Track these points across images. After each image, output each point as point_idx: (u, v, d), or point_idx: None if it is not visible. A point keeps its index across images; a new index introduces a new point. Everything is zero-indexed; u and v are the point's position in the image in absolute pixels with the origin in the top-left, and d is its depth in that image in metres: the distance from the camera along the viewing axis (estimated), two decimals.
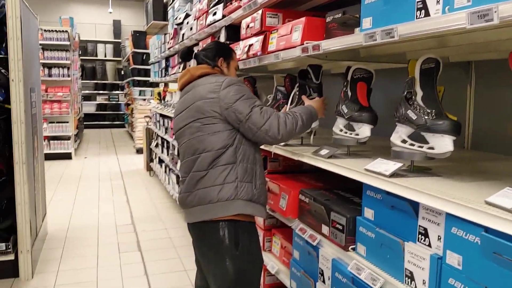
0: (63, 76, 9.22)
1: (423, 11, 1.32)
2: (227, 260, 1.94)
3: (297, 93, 2.34)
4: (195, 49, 2.32)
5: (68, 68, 9.31)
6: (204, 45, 2.36)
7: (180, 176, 2.19)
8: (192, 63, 2.37)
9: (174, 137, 2.27)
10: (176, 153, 5.52)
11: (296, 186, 2.21)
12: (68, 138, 9.33)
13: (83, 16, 15.70)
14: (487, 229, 1.10)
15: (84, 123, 14.19)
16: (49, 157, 8.87)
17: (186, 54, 2.39)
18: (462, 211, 1.16)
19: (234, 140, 2.00)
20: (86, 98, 15.36)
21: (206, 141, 2.00)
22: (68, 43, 9.27)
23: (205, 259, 2.06)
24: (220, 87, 2.02)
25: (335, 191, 2.07)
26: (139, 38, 12.06)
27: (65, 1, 15.61)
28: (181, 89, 2.23)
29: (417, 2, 1.34)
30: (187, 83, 2.17)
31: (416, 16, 1.34)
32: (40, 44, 8.82)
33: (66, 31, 9.30)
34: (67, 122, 9.27)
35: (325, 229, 1.88)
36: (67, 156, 9.32)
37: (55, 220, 5.07)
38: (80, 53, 13.22)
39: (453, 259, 1.22)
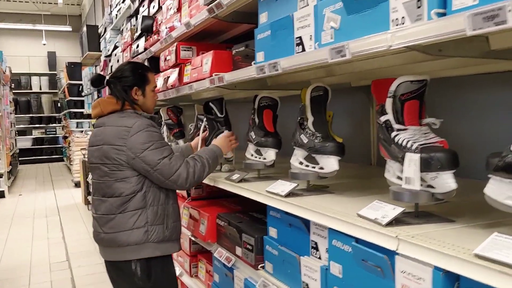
0: None
1: (300, 46, 1.47)
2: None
3: (207, 126, 2.44)
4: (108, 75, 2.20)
5: None
6: (116, 68, 2.20)
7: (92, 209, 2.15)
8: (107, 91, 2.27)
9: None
10: None
11: (214, 210, 2.29)
12: (0, 176, 8.93)
13: (16, 49, 15.24)
14: (357, 239, 1.23)
15: (20, 158, 13.62)
16: None
17: (96, 82, 2.23)
18: (338, 225, 1.29)
19: (143, 185, 1.98)
20: (21, 133, 14.80)
21: (113, 187, 1.97)
22: None
23: None
24: (128, 134, 1.94)
25: (250, 213, 2.18)
26: (74, 70, 11.87)
27: None
28: (94, 117, 2.16)
29: (296, 38, 1.49)
30: (99, 115, 2.11)
31: (296, 51, 1.49)
32: None
33: None
34: None
35: (238, 250, 1.97)
36: (0, 195, 8.91)
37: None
38: (12, 86, 12.79)
39: (335, 269, 1.35)
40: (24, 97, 15.23)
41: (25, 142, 14.91)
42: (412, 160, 1.17)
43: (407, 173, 1.19)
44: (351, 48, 1.18)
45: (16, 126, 13.47)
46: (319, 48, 1.36)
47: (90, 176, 2.24)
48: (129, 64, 2.21)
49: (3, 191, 8.94)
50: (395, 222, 1.17)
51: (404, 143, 1.22)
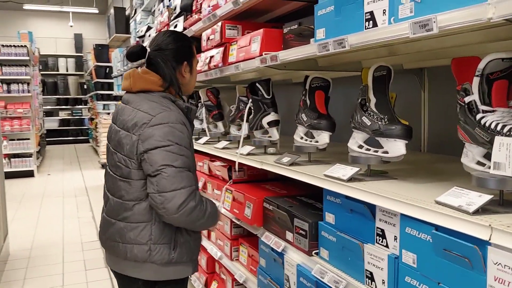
0: (23, 92, 9.00)
1: (371, 21, 1.38)
2: None
3: (252, 108, 2.38)
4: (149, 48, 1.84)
5: (28, 84, 9.10)
6: (157, 40, 1.83)
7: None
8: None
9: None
10: None
11: (260, 194, 2.24)
12: (30, 155, 9.08)
13: (43, 31, 15.38)
14: (437, 227, 1.15)
15: (47, 139, 13.84)
16: (11, 175, 8.60)
17: (134, 55, 1.79)
18: (414, 211, 1.21)
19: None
20: (48, 113, 15.01)
21: (116, 185, 1.73)
22: (27, 58, 9.06)
23: None
24: (148, 124, 1.64)
25: (298, 198, 2.11)
26: (102, 52, 11.90)
27: (24, 15, 15.26)
28: (123, 90, 1.86)
29: (366, 13, 1.40)
30: (127, 90, 1.81)
31: (365, 26, 1.40)
32: None
33: (25, 46, 9.10)
34: (28, 139, 9.04)
35: (289, 235, 1.91)
36: (29, 174, 9.06)
37: (17, 239, 4.93)
38: (40, 68, 12.94)
39: (409, 258, 1.28)
40: (51, 79, 15.41)
41: (52, 123, 15.14)
42: (504, 144, 1.08)
43: (496, 157, 1.10)
44: (440, 21, 1.09)
45: (44, 107, 13.65)
46: (396, 23, 1.26)
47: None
48: (175, 34, 1.87)
49: (32, 171, 9.10)
50: (482, 210, 1.08)
51: (492, 126, 1.13)
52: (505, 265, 0.98)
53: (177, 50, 1.82)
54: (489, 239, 1.00)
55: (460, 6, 1.05)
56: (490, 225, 1.00)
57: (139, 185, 1.68)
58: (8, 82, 8.95)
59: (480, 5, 1.00)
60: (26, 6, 14.42)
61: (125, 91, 1.84)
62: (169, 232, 1.72)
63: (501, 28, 1.21)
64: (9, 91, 8.91)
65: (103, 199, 1.88)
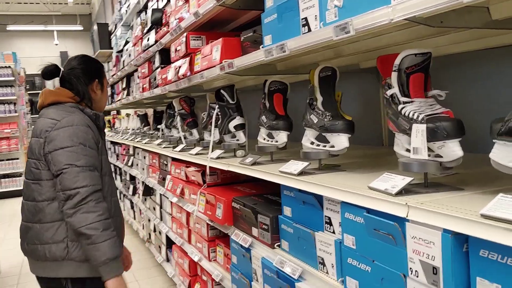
0: (10, 112, 9.08)
1: (306, 27, 1.50)
2: None
3: (219, 113, 2.49)
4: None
5: (15, 104, 9.17)
6: (71, 60, 2.03)
7: None
8: (54, 83, 2.07)
9: None
10: (127, 178, 5.55)
11: (230, 195, 2.35)
12: (20, 175, 9.14)
13: (28, 50, 15.46)
14: (368, 210, 1.27)
15: None
16: (1, 195, 8.65)
17: (49, 74, 2.00)
18: (350, 197, 1.33)
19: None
20: None
21: (30, 189, 1.81)
22: (12, 78, 9.15)
23: None
24: (53, 127, 1.76)
25: (264, 196, 2.22)
26: None
27: (7, 36, 15.34)
28: (39, 109, 1.98)
29: (301, 19, 1.53)
30: (41, 107, 1.94)
31: (302, 31, 1.53)
32: None
33: (9, 67, 9.19)
34: (18, 159, 9.09)
35: (254, 231, 2.02)
36: (19, 194, 9.10)
37: (8, 258, 4.99)
38: (27, 87, 12.99)
39: (349, 241, 1.39)
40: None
41: None
42: (419, 131, 1.20)
43: (414, 143, 1.22)
44: (355, 24, 1.21)
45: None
46: (324, 27, 1.39)
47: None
48: (86, 57, 2.07)
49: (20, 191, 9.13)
50: (405, 192, 1.20)
51: (411, 115, 1.25)
52: (419, 238, 1.09)
53: (88, 69, 2.00)
54: (406, 216, 1.11)
55: (370, 9, 1.17)
56: (406, 203, 1.12)
57: (49, 184, 1.77)
58: None
59: (384, 8, 1.12)
60: (10, 27, 14.52)
61: (40, 109, 1.96)
62: None
63: (420, 27, 1.33)
64: None
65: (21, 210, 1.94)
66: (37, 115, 1.97)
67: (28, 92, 13.32)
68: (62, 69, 2.00)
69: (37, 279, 1.92)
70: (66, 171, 1.70)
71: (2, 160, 8.99)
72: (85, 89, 1.97)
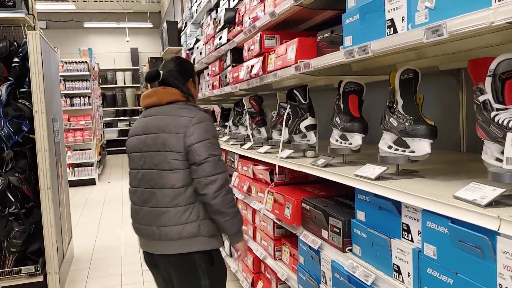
0: (85, 105, 9.59)
1: (392, 28, 1.47)
2: (202, 280, 2.06)
3: (290, 113, 2.49)
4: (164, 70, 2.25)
5: (89, 97, 9.69)
6: (166, 64, 2.25)
7: (132, 201, 2.18)
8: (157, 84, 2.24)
9: (128, 153, 2.22)
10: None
11: (299, 195, 2.34)
12: (92, 164, 9.64)
13: (102, 46, 16.26)
14: (454, 220, 1.22)
15: (107, 149, 14.57)
16: (74, 183, 9.18)
17: (154, 77, 2.21)
18: (433, 206, 1.28)
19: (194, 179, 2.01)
20: (108, 125, 15.79)
21: (167, 178, 2.01)
22: (87, 73, 9.66)
23: (181, 284, 2.11)
24: (190, 123, 2.01)
25: (335, 198, 2.20)
26: (156, 64, 12.41)
27: (84, 33, 16.21)
28: (145, 107, 2.20)
29: (387, 20, 1.49)
30: (152, 105, 2.15)
31: (387, 33, 1.49)
32: (61, 76, 9.25)
33: (86, 62, 9.70)
34: (90, 149, 9.60)
35: (325, 233, 2.01)
36: (91, 182, 9.62)
37: (81, 242, 5.29)
38: (100, 81, 13.69)
39: (429, 251, 1.34)
40: (110, 92, 16.23)
41: (111, 134, 15.91)
42: None
43: (508, 153, 1.16)
44: (449, 27, 1.17)
45: (104, 119, 14.41)
46: (413, 29, 1.35)
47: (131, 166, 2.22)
48: (180, 59, 2.32)
49: (94, 179, 9.65)
50: (495, 203, 1.14)
51: (505, 123, 1.19)
52: None
53: (184, 69, 2.24)
54: (498, 230, 1.06)
55: (467, 11, 1.12)
56: (498, 216, 1.06)
57: (187, 172, 2.02)
58: (71, 96, 9.58)
59: (484, 10, 1.07)
60: (86, 24, 15.34)
61: (146, 107, 2.19)
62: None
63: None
64: (71, 105, 9.53)
65: (134, 196, 2.15)
66: (138, 111, 2.16)
67: (101, 86, 14.02)
68: (161, 72, 2.21)
69: (157, 257, 2.11)
70: (209, 159, 1.99)
71: (76, 150, 9.52)
72: (186, 88, 2.20)
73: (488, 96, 1.24)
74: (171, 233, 2.01)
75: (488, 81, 1.23)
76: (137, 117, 12.11)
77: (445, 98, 2.52)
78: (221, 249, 2.19)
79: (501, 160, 1.28)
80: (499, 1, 1.05)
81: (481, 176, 1.59)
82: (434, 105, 2.58)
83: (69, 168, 9.18)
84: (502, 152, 1.27)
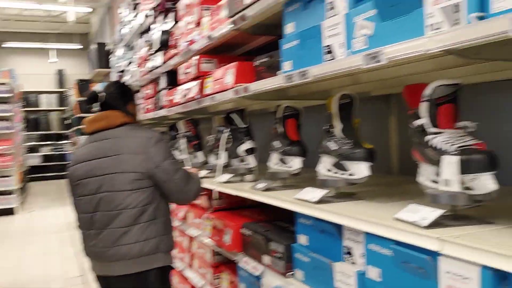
0: (5, 129, 8.98)
1: (330, 54, 1.50)
2: None
3: (230, 136, 2.47)
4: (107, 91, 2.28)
5: (10, 121, 9.09)
6: (106, 88, 2.27)
7: (84, 227, 2.15)
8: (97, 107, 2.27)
9: (76, 181, 2.15)
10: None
11: (238, 220, 2.30)
12: (12, 192, 8.98)
13: (25, 67, 15.42)
14: (397, 242, 1.24)
15: (30, 175, 13.69)
16: None
17: (92, 99, 2.24)
18: (376, 228, 1.30)
19: (155, 198, 2.07)
20: (31, 150, 14.90)
21: (130, 197, 2.02)
22: (9, 95, 9.09)
23: None
24: (149, 144, 2.06)
25: (274, 223, 2.18)
26: (84, 86, 11.96)
27: (6, 53, 15.34)
28: (91, 132, 2.16)
29: (326, 46, 1.52)
30: (103, 129, 2.13)
31: (325, 59, 1.52)
32: None
33: (6, 84, 9.13)
34: (10, 176, 8.95)
35: (266, 258, 1.97)
36: (11, 212, 8.94)
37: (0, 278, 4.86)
38: (23, 104, 12.92)
39: (373, 273, 1.35)
40: (33, 115, 15.38)
41: (34, 159, 15.00)
42: (451, 162, 1.18)
43: (445, 175, 1.20)
44: (387, 54, 1.21)
45: (26, 144, 13.57)
46: (352, 55, 1.38)
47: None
48: (119, 83, 2.45)
49: (12, 209, 8.99)
50: (435, 224, 1.17)
51: (440, 146, 1.24)
52: (454, 274, 1.06)
53: (124, 93, 2.28)
54: (440, 250, 1.08)
55: (405, 39, 1.17)
56: (440, 237, 1.09)
57: (150, 191, 2.06)
58: None
59: (420, 38, 1.12)
60: (7, 44, 14.53)
61: (93, 132, 2.16)
62: (168, 225, 2.16)
63: (447, 57, 1.33)
64: None
65: (90, 220, 2.09)
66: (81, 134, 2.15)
67: (24, 109, 13.24)
68: (101, 94, 2.24)
69: (114, 279, 2.09)
70: (179, 174, 2.10)
71: None
72: (126, 110, 2.22)
73: (424, 120, 1.29)
74: (133, 250, 2.02)
75: (424, 105, 1.28)
76: (64, 142, 11.59)
77: (377, 122, 2.61)
78: None
79: (436, 182, 1.32)
80: (434, 30, 1.10)
81: (417, 197, 1.64)
82: (366, 129, 2.66)
83: None
84: (438, 174, 1.32)
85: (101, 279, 2.18)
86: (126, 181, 2.02)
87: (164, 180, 2.06)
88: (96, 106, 2.23)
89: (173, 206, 3.39)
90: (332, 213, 1.48)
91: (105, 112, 2.17)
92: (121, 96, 2.23)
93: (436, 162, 1.27)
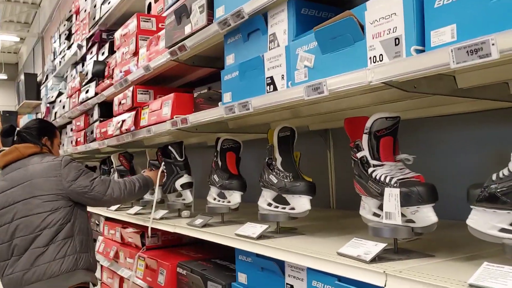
0: None
1: (271, 86, 1.48)
2: None
3: (165, 171, 2.38)
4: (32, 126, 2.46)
5: None
6: (27, 123, 2.48)
7: (1, 258, 2.14)
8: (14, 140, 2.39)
9: None
10: None
11: (174, 259, 2.18)
12: None
13: None
14: (340, 278, 1.20)
15: None
16: None
17: (7, 132, 2.40)
18: (319, 264, 1.25)
19: (72, 216, 2.15)
20: None
21: (48, 218, 2.09)
22: None
23: None
24: (61, 166, 2.18)
25: (212, 261, 2.09)
26: (10, 118, 11.29)
27: None
28: (3, 166, 2.27)
29: (267, 78, 1.50)
30: (13, 161, 2.24)
31: (267, 90, 1.50)
32: None
33: None
34: None
35: None
36: None
37: None
38: None
39: None
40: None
41: None
42: (393, 195, 1.17)
43: (387, 208, 1.19)
44: (329, 85, 1.20)
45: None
46: (293, 86, 1.37)
47: None
48: (39, 120, 2.59)
49: None
50: (378, 258, 1.15)
51: (382, 178, 1.23)
52: None
53: (39, 128, 2.39)
54: (385, 285, 1.05)
55: (346, 71, 1.17)
56: (384, 271, 1.06)
57: (66, 211, 2.13)
58: None
59: (362, 70, 1.12)
60: None
61: (6, 165, 2.26)
62: (86, 243, 2.19)
63: (385, 91, 1.36)
64: None
65: (8, 248, 2.10)
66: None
67: None
68: (18, 129, 2.40)
69: None
70: (94, 184, 2.19)
71: None
72: (39, 141, 2.32)
73: (365, 152, 1.29)
74: (51, 268, 2.04)
75: (365, 138, 1.28)
76: None
77: (315, 156, 2.62)
78: None
79: (378, 215, 1.32)
80: (374, 62, 1.11)
81: (357, 231, 1.64)
82: (304, 163, 2.67)
83: None
84: (379, 207, 1.31)
85: None
86: (39, 203, 2.10)
87: (81, 194, 2.17)
88: (10, 141, 2.36)
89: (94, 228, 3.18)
90: (274, 249, 1.42)
91: (14, 145, 2.28)
92: (34, 131, 2.34)
93: (377, 195, 1.26)
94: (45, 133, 2.40)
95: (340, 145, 2.47)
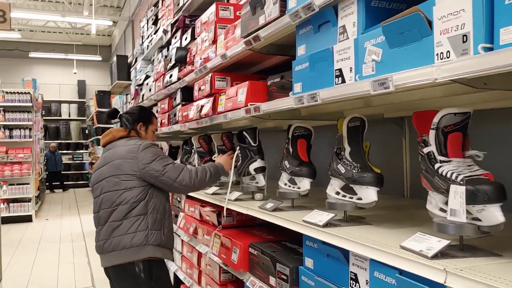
0: (25, 137, 9.16)
1: (340, 78, 1.50)
2: None
3: (240, 155, 2.48)
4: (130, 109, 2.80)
5: (30, 129, 9.27)
6: (128, 109, 2.77)
7: (95, 225, 2.49)
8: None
9: (91, 188, 2.59)
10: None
11: (247, 239, 2.29)
12: (29, 200, 9.12)
13: (47, 77, 15.79)
14: (401, 271, 1.22)
15: (47, 183, 13.89)
16: (9, 220, 8.63)
17: (112, 115, 2.76)
18: (381, 256, 1.28)
19: (146, 195, 2.37)
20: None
21: (123, 195, 2.36)
22: (30, 104, 9.28)
23: None
24: (138, 149, 2.41)
25: (283, 243, 2.17)
26: (103, 98, 12.18)
27: (29, 63, 15.71)
28: (103, 146, 2.60)
29: (335, 70, 1.52)
30: (109, 142, 2.57)
31: (335, 82, 1.52)
32: (1, 106, 8.83)
33: (29, 93, 9.34)
34: (28, 184, 9.10)
35: (272, 280, 1.96)
36: (27, 219, 9.07)
37: (11, 285, 4.91)
38: (43, 113, 13.18)
39: None
40: (53, 124, 15.66)
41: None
42: (458, 192, 1.16)
43: (452, 205, 1.18)
44: (395, 81, 1.20)
45: (45, 152, 13.79)
46: (360, 80, 1.38)
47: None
48: (139, 107, 2.86)
49: (30, 216, 9.11)
50: (440, 255, 1.15)
51: (448, 175, 1.22)
52: None
53: (136, 115, 2.66)
54: (444, 282, 1.06)
55: (412, 67, 1.16)
56: (445, 269, 1.07)
57: (140, 190, 2.37)
58: (11, 128, 9.13)
59: (428, 67, 1.11)
60: (32, 54, 14.88)
61: (104, 145, 2.60)
62: (160, 221, 2.40)
63: (456, 84, 1.32)
64: (11, 137, 9.07)
65: (96, 221, 2.46)
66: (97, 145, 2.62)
67: (44, 117, 13.50)
68: (120, 112, 2.74)
69: (111, 270, 2.41)
70: (166, 169, 2.37)
71: (13, 185, 9.00)
72: (132, 126, 2.62)
73: (432, 148, 1.28)
74: (123, 241, 2.30)
75: (432, 134, 1.27)
76: (82, 151, 12.01)
77: (389, 144, 2.59)
78: None
79: (444, 211, 1.30)
80: (441, 59, 1.10)
81: (426, 224, 1.62)
82: (378, 151, 2.65)
83: (3, 204, 8.64)
84: (446, 203, 1.29)
85: (106, 272, 2.47)
86: (118, 181, 2.38)
87: (154, 177, 2.36)
88: (114, 122, 2.66)
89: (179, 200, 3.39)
90: (338, 237, 1.47)
91: (111, 129, 2.63)
92: (130, 117, 2.62)
93: (444, 191, 1.25)
94: (141, 119, 2.65)
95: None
